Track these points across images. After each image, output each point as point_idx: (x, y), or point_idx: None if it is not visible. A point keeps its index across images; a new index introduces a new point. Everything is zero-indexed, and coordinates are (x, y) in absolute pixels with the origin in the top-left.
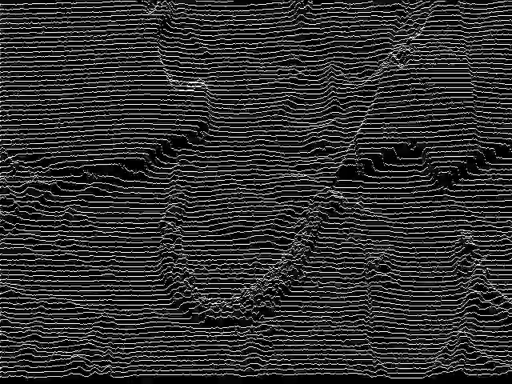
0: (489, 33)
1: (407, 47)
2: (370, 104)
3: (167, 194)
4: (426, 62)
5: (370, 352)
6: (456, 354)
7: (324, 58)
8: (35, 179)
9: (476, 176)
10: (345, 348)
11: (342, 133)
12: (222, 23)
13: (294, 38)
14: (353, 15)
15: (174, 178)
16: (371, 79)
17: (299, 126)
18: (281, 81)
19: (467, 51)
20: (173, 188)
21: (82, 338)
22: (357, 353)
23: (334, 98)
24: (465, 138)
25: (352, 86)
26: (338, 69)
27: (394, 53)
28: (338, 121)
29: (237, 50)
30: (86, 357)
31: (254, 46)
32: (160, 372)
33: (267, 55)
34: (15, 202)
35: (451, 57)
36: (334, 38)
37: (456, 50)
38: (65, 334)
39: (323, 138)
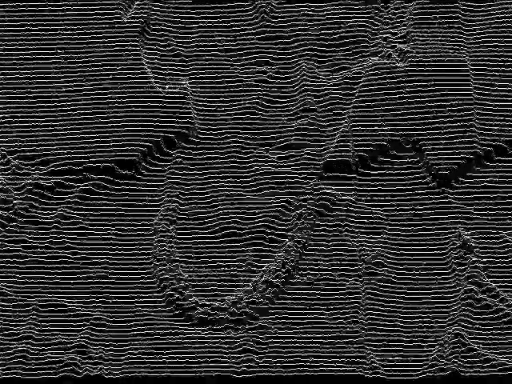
0: (487, 30)
1: (406, 46)
2: (350, 100)
3: (161, 195)
4: (424, 60)
5: (365, 350)
6: (451, 350)
7: (295, 55)
8: (34, 179)
9: (475, 176)
10: (339, 346)
11: (320, 129)
12: (196, 24)
13: (261, 38)
14: (324, 10)
15: (168, 178)
16: (352, 75)
17: (274, 124)
18: (253, 80)
19: (465, 49)
20: (167, 188)
21: (76, 339)
22: (352, 351)
23: (308, 94)
24: (464, 137)
25: (328, 82)
26: (310, 65)
27: (394, 51)
28: (316, 117)
29: (211, 51)
30: (79, 357)
31: (225, 46)
32: (152, 372)
33: (237, 55)
34: (14, 201)
35: (449, 55)
36: (305, 34)
37: (453, 48)
38: (58, 335)
39: (300, 135)
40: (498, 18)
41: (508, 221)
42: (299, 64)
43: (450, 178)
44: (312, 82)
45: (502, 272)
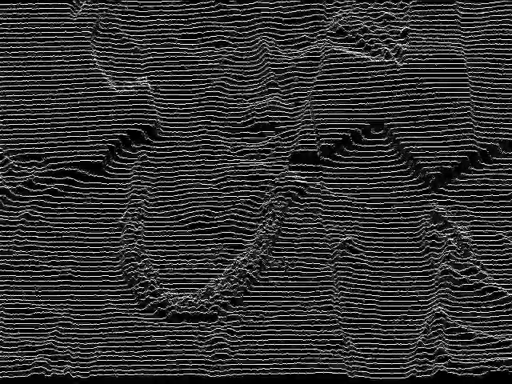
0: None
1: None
2: (312, 78)
3: (127, 192)
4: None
5: (342, 335)
6: (434, 330)
7: (255, 35)
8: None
9: (471, 176)
10: (315, 331)
11: (285, 109)
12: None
13: (217, 19)
14: None
15: (134, 175)
16: (311, 52)
17: (239, 105)
18: (214, 63)
19: (462, 45)
20: (133, 186)
21: (44, 340)
22: (328, 337)
23: (271, 74)
24: (461, 137)
25: (290, 60)
26: (271, 44)
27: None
28: (280, 97)
29: (167, 39)
30: (48, 358)
31: (183, 31)
32: (122, 372)
33: (196, 38)
34: None
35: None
36: (263, 13)
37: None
38: (26, 337)
39: (265, 115)
40: (495, 17)
41: (505, 220)
42: (260, 43)
43: (440, 180)
44: (274, 60)
45: (500, 270)
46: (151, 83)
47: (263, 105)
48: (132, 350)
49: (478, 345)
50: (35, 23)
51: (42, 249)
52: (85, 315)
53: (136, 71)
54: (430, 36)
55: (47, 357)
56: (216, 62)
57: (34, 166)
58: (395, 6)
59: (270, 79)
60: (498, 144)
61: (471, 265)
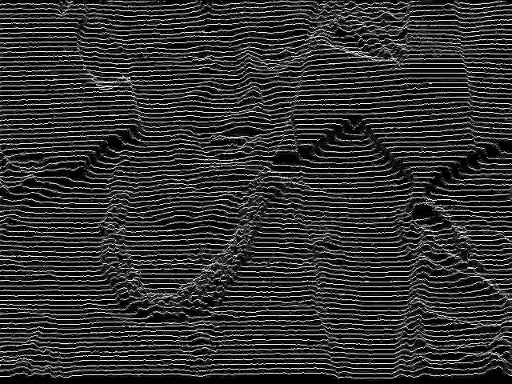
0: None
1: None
2: (295, 87)
3: (108, 195)
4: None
5: (323, 330)
6: (413, 320)
7: (239, 45)
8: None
9: (469, 175)
10: (296, 327)
11: (266, 119)
12: (135, 19)
13: (204, 28)
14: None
15: (115, 178)
16: (294, 62)
17: (218, 113)
18: (195, 70)
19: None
20: (114, 188)
21: (26, 341)
22: (309, 332)
23: (253, 84)
24: (459, 137)
25: (272, 71)
26: (254, 55)
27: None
28: (260, 106)
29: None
30: (30, 359)
31: (169, 39)
32: (103, 372)
33: (181, 46)
34: None
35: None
36: (247, 24)
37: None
38: (8, 338)
39: (245, 124)
40: (494, 17)
41: (503, 220)
42: (243, 53)
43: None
44: (257, 70)
45: (499, 270)
46: (133, 82)
47: (244, 114)
48: (113, 349)
49: (455, 331)
50: (22, 22)
51: (23, 251)
52: (67, 316)
53: (120, 70)
54: (428, 36)
55: (29, 357)
56: (198, 68)
57: (22, 169)
58: (394, 6)
59: (251, 89)
60: (496, 144)
61: (465, 263)
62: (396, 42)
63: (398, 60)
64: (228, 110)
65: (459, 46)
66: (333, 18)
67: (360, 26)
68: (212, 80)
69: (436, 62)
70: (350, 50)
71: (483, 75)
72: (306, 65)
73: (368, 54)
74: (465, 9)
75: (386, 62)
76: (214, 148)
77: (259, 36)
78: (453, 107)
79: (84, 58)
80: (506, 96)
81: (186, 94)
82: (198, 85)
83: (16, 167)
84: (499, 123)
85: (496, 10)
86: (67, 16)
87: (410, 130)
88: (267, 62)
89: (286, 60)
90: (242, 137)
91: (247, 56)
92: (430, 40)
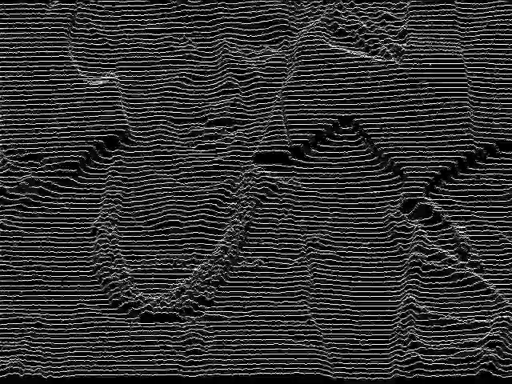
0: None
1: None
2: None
3: (102, 196)
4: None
5: (316, 329)
6: (405, 317)
7: (217, 34)
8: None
9: (469, 176)
10: (289, 326)
11: (246, 110)
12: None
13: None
14: None
15: (110, 178)
16: (276, 55)
17: (196, 103)
18: (175, 58)
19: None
20: (108, 189)
21: (18, 342)
22: (303, 331)
23: (230, 74)
24: (459, 137)
25: (251, 63)
26: (232, 45)
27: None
28: (238, 98)
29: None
30: (23, 359)
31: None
32: (95, 372)
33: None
34: None
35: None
36: (227, 13)
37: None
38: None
39: (223, 114)
40: (494, 17)
41: (503, 220)
42: (221, 42)
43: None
44: (234, 60)
45: (498, 271)
46: (120, 79)
47: (222, 104)
48: (105, 350)
49: (447, 328)
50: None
51: (16, 253)
52: (59, 317)
53: (106, 66)
54: (428, 36)
55: (22, 357)
56: (175, 59)
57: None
58: (394, 6)
59: (228, 79)
60: (495, 144)
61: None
62: (396, 42)
63: (397, 60)
64: (206, 99)
65: (459, 45)
66: (323, 12)
67: (355, 23)
68: (188, 70)
69: (436, 61)
70: (340, 46)
71: (483, 75)
72: (294, 60)
73: (368, 54)
74: (465, 9)
75: (385, 62)
76: (194, 140)
77: (241, 27)
78: (453, 107)
79: (74, 55)
80: (506, 96)
81: (164, 83)
82: (176, 73)
83: (14, 167)
84: (499, 123)
85: (496, 10)
86: (55, 11)
87: (409, 130)
88: (247, 52)
89: (267, 53)
90: (221, 128)
91: (225, 45)
92: (430, 40)
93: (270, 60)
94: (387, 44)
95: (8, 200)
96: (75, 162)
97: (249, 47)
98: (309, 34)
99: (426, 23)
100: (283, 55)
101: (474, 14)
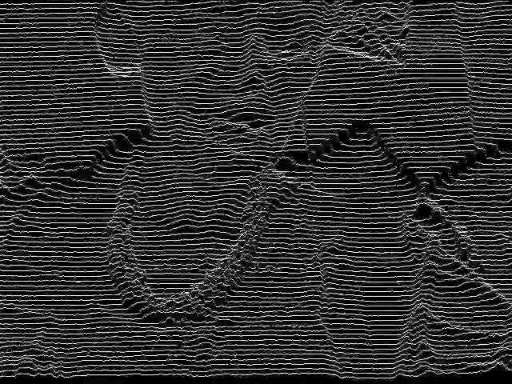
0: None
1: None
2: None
3: (118, 195)
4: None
5: (326, 335)
6: (417, 327)
7: (247, 31)
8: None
9: (469, 176)
10: (300, 333)
11: (269, 106)
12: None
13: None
14: None
15: (127, 178)
16: (306, 56)
17: (221, 97)
18: (202, 53)
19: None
20: (123, 188)
21: (31, 341)
22: (312, 337)
23: (256, 70)
24: (459, 137)
25: (279, 61)
26: (260, 42)
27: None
28: (263, 93)
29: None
30: (34, 359)
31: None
32: (107, 372)
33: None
34: None
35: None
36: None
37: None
38: (13, 338)
39: (248, 110)
40: (494, 17)
41: (504, 220)
42: (249, 39)
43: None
44: (261, 57)
45: (499, 271)
46: (145, 72)
47: (246, 100)
48: (118, 350)
49: (460, 340)
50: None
51: (30, 252)
52: (71, 317)
53: (133, 58)
54: (428, 36)
55: (33, 357)
56: (202, 53)
57: (34, 167)
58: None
59: (253, 75)
60: (496, 144)
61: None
62: (397, 41)
63: (398, 60)
64: (229, 94)
65: (459, 45)
66: (348, 22)
67: (356, 23)
68: (215, 65)
69: (436, 61)
70: (353, 50)
71: (483, 75)
72: (320, 65)
73: (368, 54)
74: (465, 9)
75: (387, 63)
76: (215, 133)
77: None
78: (453, 107)
79: (101, 48)
80: (506, 96)
81: (187, 77)
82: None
83: (16, 167)
84: (499, 123)
85: (496, 9)
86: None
87: (413, 130)
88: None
89: (294, 52)
90: (242, 123)
91: (253, 41)
92: (430, 40)
93: (296, 60)
94: (388, 44)
95: (23, 197)
96: (91, 157)
97: (276, 44)
98: (333, 40)
99: (427, 23)
100: (309, 56)
101: (475, 14)
